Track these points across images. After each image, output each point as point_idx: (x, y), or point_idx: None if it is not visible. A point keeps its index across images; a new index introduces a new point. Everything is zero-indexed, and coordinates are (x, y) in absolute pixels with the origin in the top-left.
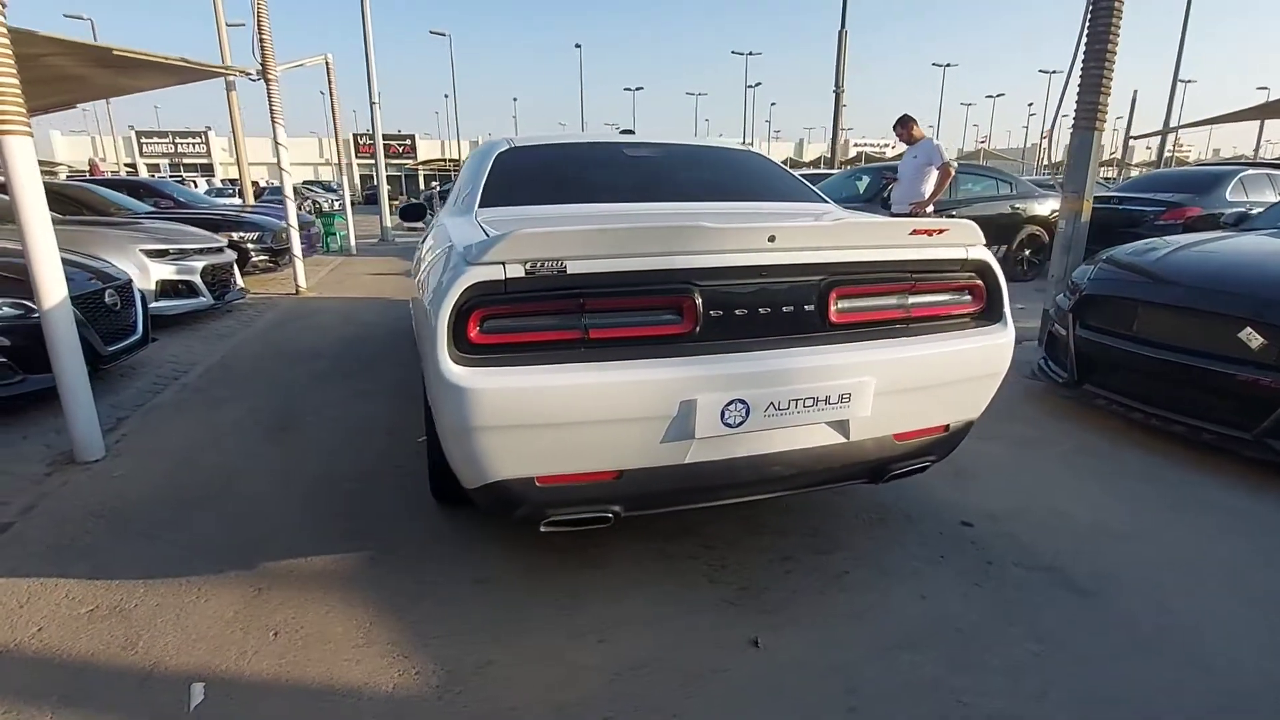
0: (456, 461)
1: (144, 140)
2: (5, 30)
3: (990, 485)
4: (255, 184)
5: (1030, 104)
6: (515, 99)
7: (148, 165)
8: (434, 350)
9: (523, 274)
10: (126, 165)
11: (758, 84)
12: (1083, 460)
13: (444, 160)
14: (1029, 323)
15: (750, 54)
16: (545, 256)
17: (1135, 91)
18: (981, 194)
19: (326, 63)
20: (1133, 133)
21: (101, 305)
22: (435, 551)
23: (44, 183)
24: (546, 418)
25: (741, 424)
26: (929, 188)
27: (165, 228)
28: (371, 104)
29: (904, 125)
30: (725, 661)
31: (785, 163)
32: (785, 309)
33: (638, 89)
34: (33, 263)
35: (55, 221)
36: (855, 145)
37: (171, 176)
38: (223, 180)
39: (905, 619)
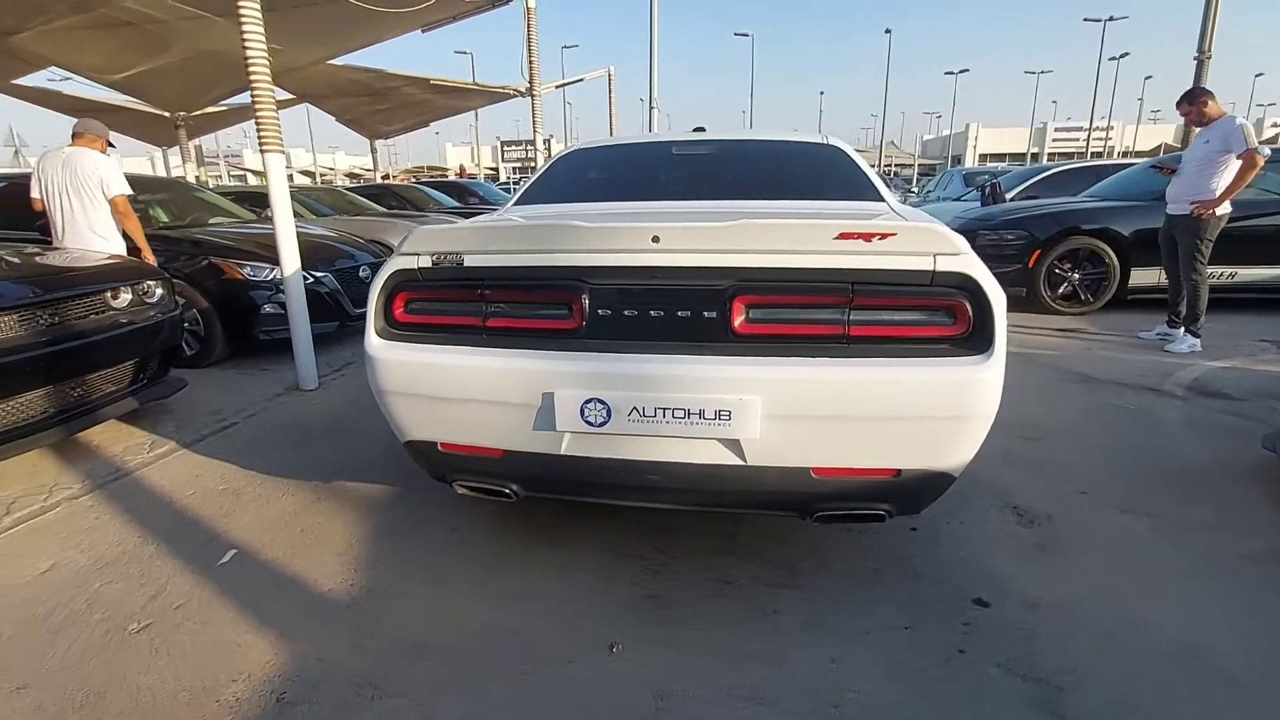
0: (387, 419)
1: (506, 148)
2: (269, 75)
3: (1070, 566)
4: None
5: None
6: (822, 93)
7: (508, 169)
8: (366, 324)
9: (430, 265)
10: (489, 168)
11: (1123, 55)
12: (1257, 569)
13: None
14: None
15: (1109, 19)
16: (444, 250)
17: None
18: None
19: (609, 75)
20: None
21: (356, 278)
22: (443, 499)
23: (386, 184)
24: (434, 391)
25: (604, 424)
26: (1223, 182)
27: (446, 218)
28: (651, 108)
29: (1193, 100)
30: (574, 654)
31: (1158, 150)
32: (680, 314)
33: (961, 71)
34: (278, 244)
35: (377, 214)
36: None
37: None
38: None
39: (789, 675)
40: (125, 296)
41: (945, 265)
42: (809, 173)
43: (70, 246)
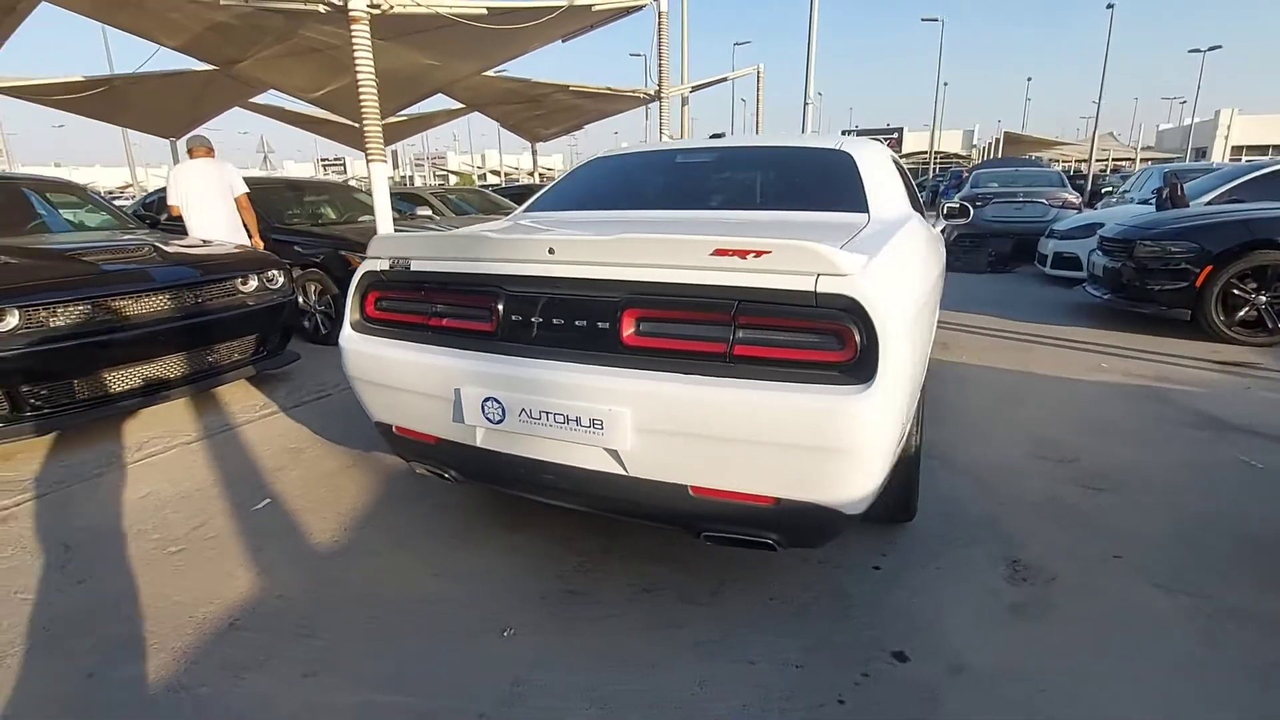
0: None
1: None
2: (375, 96)
3: (1038, 636)
4: None
5: None
6: (1029, 79)
7: None
8: (344, 318)
9: (388, 268)
10: None
11: None
12: None
13: (927, 153)
14: None
15: None
16: (397, 256)
17: None
18: None
19: (758, 73)
20: None
21: None
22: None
23: (529, 185)
24: (386, 380)
25: (501, 422)
26: None
27: None
28: (805, 104)
29: None
30: (476, 630)
31: None
32: (577, 323)
33: (1211, 49)
34: None
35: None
36: None
37: None
38: None
39: (647, 686)
40: (253, 283)
41: (827, 286)
42: (800, 182)
43: (208, 238)
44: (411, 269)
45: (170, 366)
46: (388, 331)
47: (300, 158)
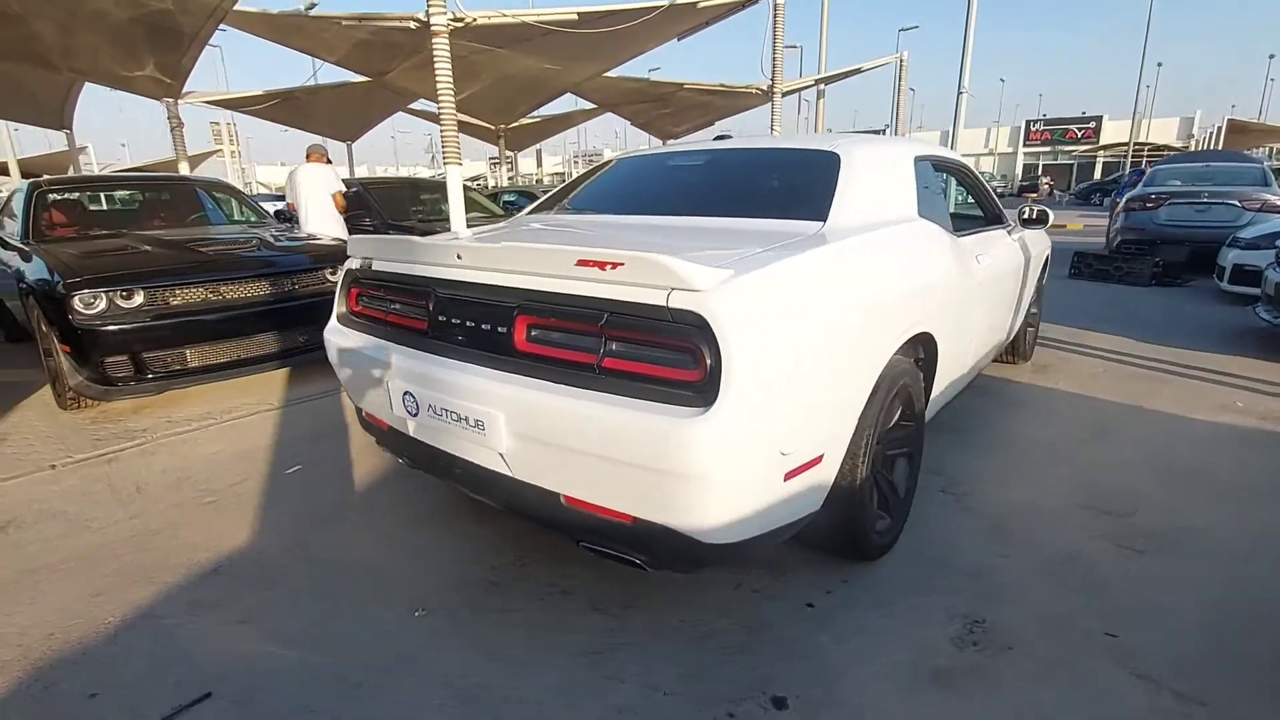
0: None
1: None
2: (454, 101)
3: (952, 708)
4: None
5: None
6: (1271, 56)
7: None
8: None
9: (360, 267)
10: None
11: None
12: None
13: (1127, 144)
14: None
15: None
16: (365, 256)
17: None
18: None
19: (901, 61)
20: None
21: None
22: None
23: None
24: (352, 368)
25: (417, 415)
26: None
27: None
28: (959, 93)
29: None
30: (393, 603)
31: None
32: (482, 326)
33: None
34: None
35: None
36: None
37: None
38: None
39: (509, 685)
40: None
41: (678, 302)
42: (771, 187)
43: (314, 232)
44: (373, 268)
45: (265, 343)
46: (358, 325)
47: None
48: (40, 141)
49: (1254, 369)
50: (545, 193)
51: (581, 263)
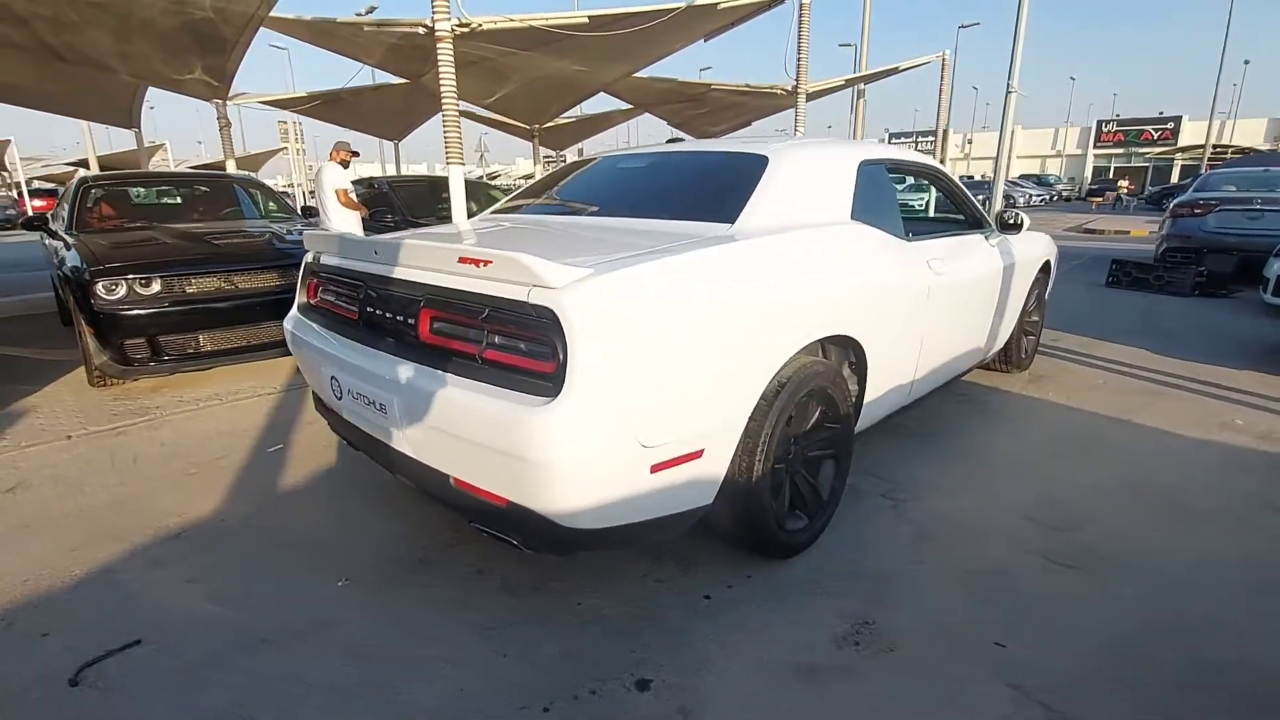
0: None
1: (893, 140)
2: (456, 104)
3: (816, 697)
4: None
5: None
6: None
7: None
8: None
9: (313, 260)
10: None
11: None
12: None
13: (1203, 147)
14: None
15: None
16: (315, 250)
17: None
18: None
19: (943, 60)
20: None
21: None
22: None
23: None
24: (300, 356)
25: (341, 399)
26: None
27: None
28: (1007, 93)
29: None
30: (324, 572)
31: None
32: (395, 316)
33: None
34: None
35: None
36: None
37: None
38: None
39: (387, 656)
40: None
41: (536, 298)
42: (696, 189)
43: (331, 227)
44: (320, 261)
45: (273, 330)
46: (311, 315)
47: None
48: (127, 139)
49: (1269, 385)
50: None
51: (462, 260)
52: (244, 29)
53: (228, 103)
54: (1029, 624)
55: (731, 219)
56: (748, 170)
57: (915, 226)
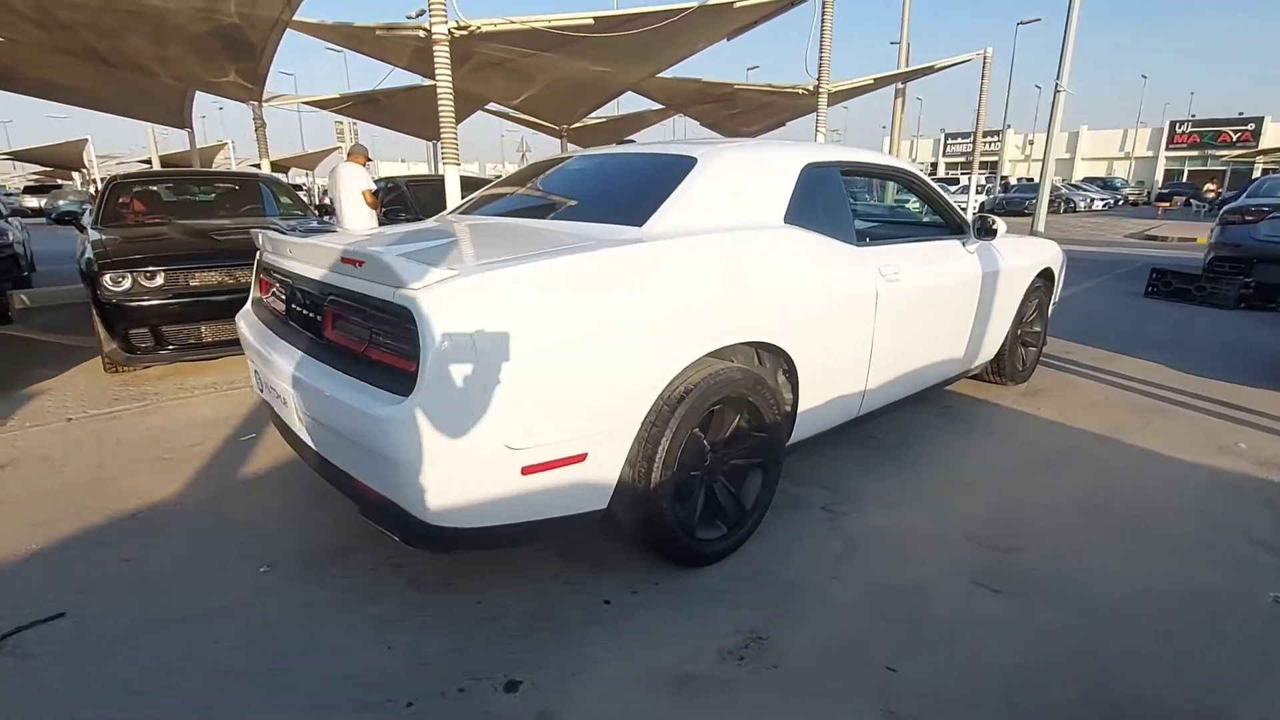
0: None
1: (949, 141)
2: (453, 106)
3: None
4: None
5: None
6: None
7: (947, 164)
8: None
9: (260, 255)
10: (929, 164)
11: None
12: None
13: None
14: None
15: None
16: (260, 247)
17: None
18: None
19: (984, 58)
20: None
21: None
22: None
23: None
24: (245, 348)
25: (263, 392)
26: None
27: None
28: (1056, 90)
29: None
30: (248, 559)
31: None
32: (304, 312)
33: None
34: None
35: None
36: None
37: (934, 178)
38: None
39: (305, 642)
40: None
41: (399, 299)
42: (619, 191)
43: (346, 225)
44: (263, 259)
45: None
46: (258, 309)
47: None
48: (197, 137)
49: None
50: None
51: (344, 260)
52: (270, 33)
53: (263, 104)
54: (929, 647)
55: (641, 222)
56: (673, 172)
57: (881, 231)
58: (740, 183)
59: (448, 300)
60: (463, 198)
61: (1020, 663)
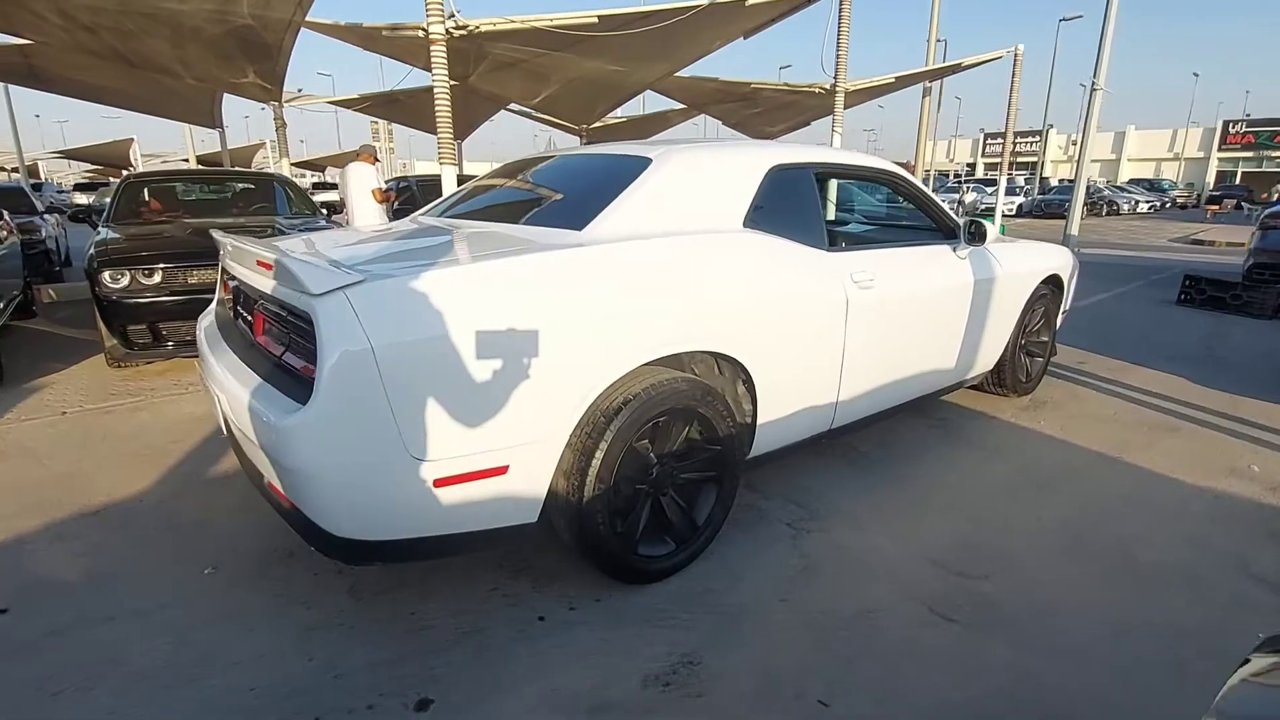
0: None
1: (989, 141)
2: (449, 105)
3: None
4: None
5: None
6: None
7: (985, 165)
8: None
9: (222, 257)
10: (967, 164)
11: None
12: None
13: None
14: None
15: None
16: (220, 248)
17: None
18: None
19: (1015, 54)
20: None
21: None
22: None
23: None
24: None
25: (209, 391)
26: None
27: None
28: (1092, 89)
29: None
30: (197, 556)
31: None
32: (243, 314)
33: None
34: None
35: None
36: None
37: (965, 180)
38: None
39: (250, 649)
40: None
41: (305, 305)
42: (567, 193)
43: (356, 223)
44: (224, 258)
45: None
46: (218, 311)
47: None
48: (238, 136)
49: None
50: None
51: (258, 263)
52: (284, 33)
53: (284, 105)
54: (867, 680)
55: (581, 225)
56: (625, 174)
57: (862, 236)
58: (696, 185)
59: (344, 306)
60: None
61: (960, 700)
